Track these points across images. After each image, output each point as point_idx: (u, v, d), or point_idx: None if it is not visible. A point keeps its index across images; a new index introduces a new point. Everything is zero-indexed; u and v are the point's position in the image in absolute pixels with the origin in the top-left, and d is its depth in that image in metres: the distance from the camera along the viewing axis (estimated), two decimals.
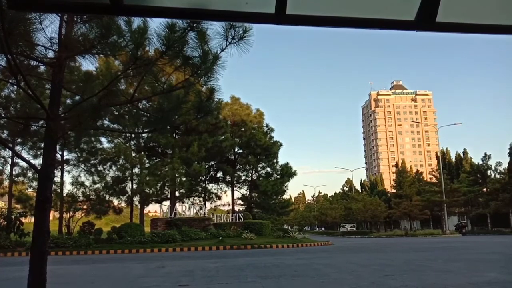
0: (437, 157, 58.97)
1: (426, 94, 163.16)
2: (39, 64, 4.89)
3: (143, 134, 29.46)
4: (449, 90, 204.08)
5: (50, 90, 4.81)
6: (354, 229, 71.07)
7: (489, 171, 53.97)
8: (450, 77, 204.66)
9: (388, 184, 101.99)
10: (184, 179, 32.91)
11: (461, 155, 69.88)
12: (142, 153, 31.99)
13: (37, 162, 23.86)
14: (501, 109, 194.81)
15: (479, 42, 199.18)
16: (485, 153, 55.05)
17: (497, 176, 52.71)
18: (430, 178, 65.96)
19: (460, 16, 2.01)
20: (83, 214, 30.53)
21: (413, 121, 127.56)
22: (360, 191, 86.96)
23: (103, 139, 30.01)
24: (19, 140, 25.58)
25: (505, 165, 51.42)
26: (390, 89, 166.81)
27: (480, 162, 55.28)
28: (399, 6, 2.00)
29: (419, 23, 1.98)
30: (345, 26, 2.01)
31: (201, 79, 4.86)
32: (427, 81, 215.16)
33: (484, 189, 54.26)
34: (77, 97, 6.09)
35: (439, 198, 50.97)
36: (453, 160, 70.59)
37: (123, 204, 32.58)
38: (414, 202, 56.82)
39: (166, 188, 32.81)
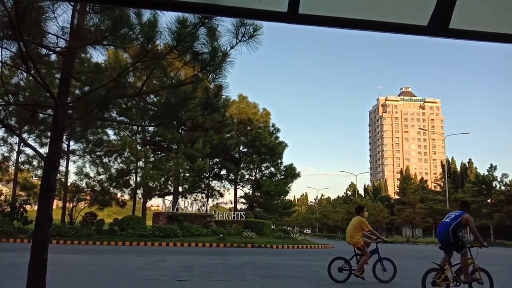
0: (442, 166, 58.64)
1: (435, 102, 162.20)
2: (50, 52, 4.91)
3: (149, 128, 29.56)
4: (458, 99, 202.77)
5: (59, 79, 4.83)
6: (309, 232, 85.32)
7: (494, 183, 53.52)
8: (459, 86, 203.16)
9: (392, 190, 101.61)
10: (187, 174, 33.05)
11: (467, 165, 69.35)
12: (148, 146, 32.10)
13: (43, 150, 24.03)
14: (509, 121, 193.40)
15: (491, 51, 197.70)
16: (491, 164, 54.48)
17: (502, 187, 52.30)
18: (435, 187, 65.58)
19: (474, 23, 1.98)
20: (86, 205, 30.74)
21: (420, 128, 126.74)
22: (363, 195, 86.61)
23: (109, 131, 30.20)
24: (26, 127, 25.79)
25: (511, 176, 51.08)
26: (399, 95, 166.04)
27: (486, 173, 54.85)
28: (412, 10, 1.98)
29: (431, 28, 1.96)
30: (357, 28, 1.99)
31: (210, 76, 4.86)
32: (436, 89, 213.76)
33: (488, 200, 53.85)
34: (86, 88, 6.11)
35: (442, 206, 50.69)
36: (458, 169, 70.05)
37: (126, 197, 32.73)
38: (417, 209, 56.56)
39: (169, 183, 32.92)
